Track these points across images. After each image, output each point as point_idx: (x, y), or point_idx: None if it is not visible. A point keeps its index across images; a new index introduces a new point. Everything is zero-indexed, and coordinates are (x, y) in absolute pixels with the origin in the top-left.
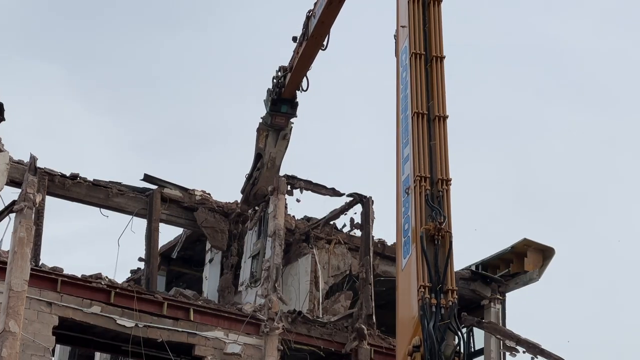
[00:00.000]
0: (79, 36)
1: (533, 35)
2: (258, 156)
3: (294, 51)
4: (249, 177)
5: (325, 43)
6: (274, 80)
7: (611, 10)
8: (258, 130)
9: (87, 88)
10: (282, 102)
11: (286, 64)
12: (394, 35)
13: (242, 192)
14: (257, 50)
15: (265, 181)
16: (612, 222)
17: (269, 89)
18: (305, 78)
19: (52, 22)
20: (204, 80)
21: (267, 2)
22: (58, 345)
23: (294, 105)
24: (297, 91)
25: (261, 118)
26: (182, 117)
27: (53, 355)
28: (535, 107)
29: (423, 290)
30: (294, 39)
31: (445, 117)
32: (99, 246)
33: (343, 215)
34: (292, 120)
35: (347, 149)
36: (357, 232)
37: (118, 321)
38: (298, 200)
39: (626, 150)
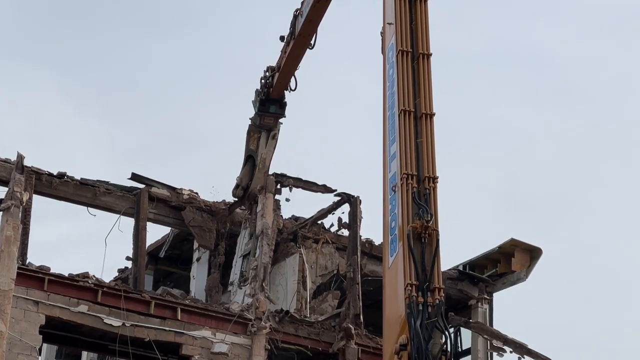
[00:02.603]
0: (69, 40)
1: (519, 41)
2: (248, 158)
3: (281, 51)
4: (236, 188)
5: (312, 42)
6: (262, 81)
7: (596, 18)
8: (248, 132)
9: (77, 92)
10: (270, 102)
11: (274, 64)
12: (381, 33)
13: (234, 195)
14: (249, 56)
15: (257, 182)
16: (599, 225)
17: (257, 89)
18: (293, 78)
19: (42, 26)
20: (195, 85)
21: (259, 8)
22: (45, 344)
23: (282, 105)
24: (285, 91)
25: (250, 119)
26: (173, 122)
27: (40, 354)
28: (522, 111)
29: (410, 288)
30: (282, 38)
31: (432, 115)
32: (88, 249)
33: (331, 214)
34: (280, 120)
35: (334, 149)
36: (345, 232)
37: (105, 320)
38: (287, 200)
39: (611, 155)
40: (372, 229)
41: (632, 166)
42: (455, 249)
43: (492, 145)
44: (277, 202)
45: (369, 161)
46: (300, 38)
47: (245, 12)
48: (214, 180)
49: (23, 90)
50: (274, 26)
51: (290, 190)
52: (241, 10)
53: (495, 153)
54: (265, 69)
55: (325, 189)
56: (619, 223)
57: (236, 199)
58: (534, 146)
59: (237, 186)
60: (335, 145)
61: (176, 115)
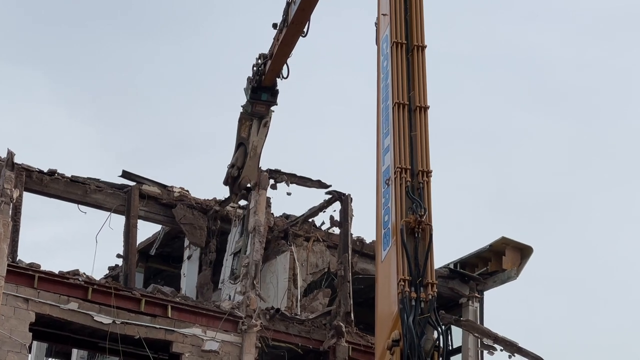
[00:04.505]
0: (64, 43)
1: (513, 43)
2: (239, 146)
3: (273, 38)
4: (231, 167)
5: (305, 30)
6: (254, 68)
7: (588, 21)
8: (240, 120)
9: (71, 95)
10: (262, 90)
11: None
12: (375, 23)
13: (225, 184)
14: (243, 59)
15: (248, 170)
16: (588, 227)
17: (249, 77)
18: (285, 65)
19: (36, 29)
20: (188, 89)
21: (253, 12)
22: (35, 342)
23: (274, 93)
24: (277, 79)
25: (241, 107)
26: (166, 126)
27: (30, 352)
28: (514, 114)
29: (403, 283)
30: (274, 25)
31: (426, 108)
32: (79, 250)
33: (322, 212)
34: (272, 108)
35: (326, 149)
36: (336, 230)
37: (95, 318)
38: (289, 194)
39: (604, 156)
40: (363, 227)
41: (626, 167)
42: (446, 248)
43: (485, 145)
44: (267, 200)
45: (360, 161)
46: (292, 26)
47: (239, 16)
48: (207, 183)
49: (16, 92)
50: (268, 30)
51: (288, 185)
52: (235, 14)
53: (488, 154)
54: (257, 57)
55: (319, 185)
56: (612, 224)
57: (230, 190)
58: (527, 147)
59: (232, 165)
60: (326, 146)
61: (170, 119)
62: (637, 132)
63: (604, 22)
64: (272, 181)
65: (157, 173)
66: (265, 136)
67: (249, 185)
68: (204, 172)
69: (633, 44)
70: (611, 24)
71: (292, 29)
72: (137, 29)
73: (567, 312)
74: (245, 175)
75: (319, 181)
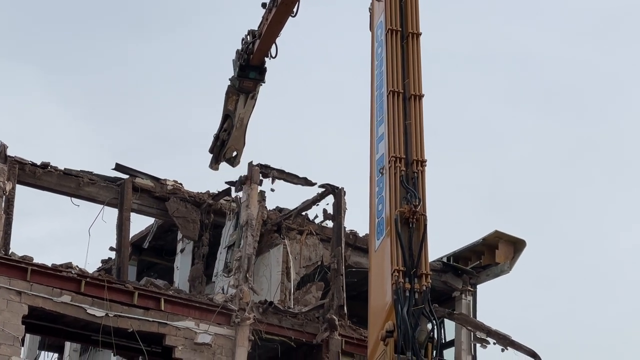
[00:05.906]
0: (59, 40)
1: (503, 42)
2: (226, 117)
3: (262, 17)
4: (216, 137)
5: (295, 10)
6: (243, 45)
7: (580, 20)
8: (227, 92)
9: (65, 92)
10: (250, 68)
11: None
12: (369, 9)
13: (210, 152)
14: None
15: (234, 141)
16: (580, 225)
17: (237, 50)
18: (274, 45)
19: (31, 25)
20: (182, 86)
21: (245, 7)
22: (28, 335)
23: (262, 71)
24: (265, 58)
25: (229, 80)
26: (160, 123)
27: (22, 345)
28: (506, 112)
29: (397, 274)
30: (263, 5)
31: (421, 96)
32: (74, 246)
33: (315, 206)
34: (260, 84)
35: (317, 142)
36: (329, 223)
37: (88, 311)
38: (272, 190)
39: (595, 154)
40: (356, 221)
41: (616, 165)
42: (440, 242)
43: (476, 143)
44: (262, 193)
45: (354, 154)
46: (282, 6)
47: (232, 13)
48: (201, 177)
49: (11, 88)
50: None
51: (272, 182)
52: (228, 11)
53: (480, 151)
54: (247, 33)
55: (305, 182)
56: (603, 222)
57: (214, 158)
58: (518, 145)
59: (223, 130)
60: (320, 141)
61: (164, 114)
62: (636, 131)
63: (595, 22)
64: (261, 176)
65: (151, 169)
66: (253, 108)
67: (234, 154)
68: (198, 168)
69: (627, 43)
70: (606, 24)
71: (281, 8)
72: (132, 26)
73: (561, 307)
74: (231, 145)
75: (305, 178)
